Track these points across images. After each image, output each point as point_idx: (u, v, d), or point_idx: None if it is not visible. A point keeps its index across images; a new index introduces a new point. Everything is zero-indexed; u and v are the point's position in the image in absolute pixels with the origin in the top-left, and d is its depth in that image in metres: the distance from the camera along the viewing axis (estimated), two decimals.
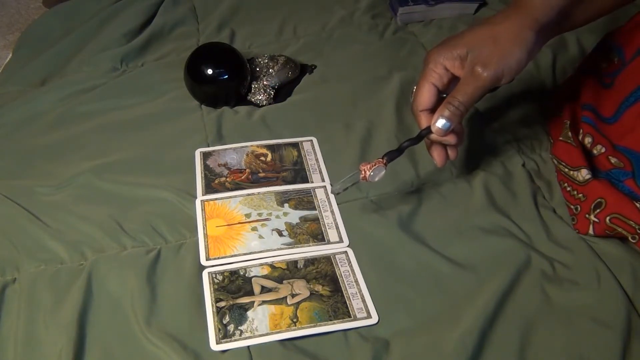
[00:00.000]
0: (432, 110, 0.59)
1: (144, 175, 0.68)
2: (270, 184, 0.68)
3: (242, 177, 0.69)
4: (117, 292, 0.56)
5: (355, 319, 0.54)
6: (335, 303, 0.55)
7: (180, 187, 0.67)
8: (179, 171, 0.69)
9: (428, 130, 0.58)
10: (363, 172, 0.57)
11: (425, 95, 0.59)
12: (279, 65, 0.83)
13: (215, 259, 0.59)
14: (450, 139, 0.58)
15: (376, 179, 0.58)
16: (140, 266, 0.58)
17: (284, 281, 0.57)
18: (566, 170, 0.64)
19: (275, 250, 0.60)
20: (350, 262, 0.59)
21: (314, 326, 0.53)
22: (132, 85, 0.84)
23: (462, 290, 0.56)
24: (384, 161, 0.58)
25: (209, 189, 0.67)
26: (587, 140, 0.64)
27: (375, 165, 0.57)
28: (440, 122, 0.57)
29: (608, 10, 0.62)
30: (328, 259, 0.59)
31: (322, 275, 0.58)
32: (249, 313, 0.54)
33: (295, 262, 0.59)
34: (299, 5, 1.00)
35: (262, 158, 0.71)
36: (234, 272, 0.58)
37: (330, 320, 0.54)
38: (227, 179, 0.68)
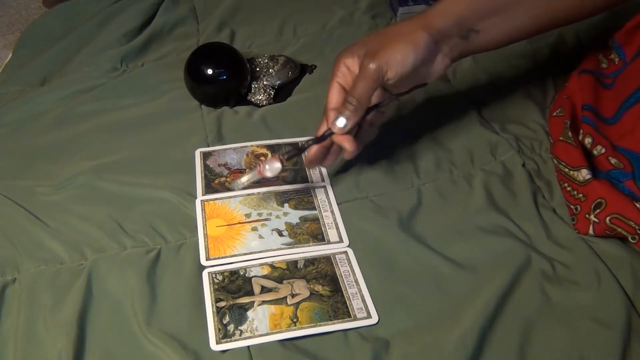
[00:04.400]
0: None
1: (144, 175, 0.68)
2: (270, 184, 0.68)
3: None
4: (117, 292, 0.56)
5: (355, 319, 0.54)
6: (335, 303, 0.55)
7: (180, 187, 0.67)
8: (179, 171, 0.69)
9: (330, 130, 0.59)
10: (259, 166, 0.60)
11: (333, 93, 0.61)
12: (279, 65, 0.83)
13: (215, 259, 0.59)
14: (346, 141, 0.60)
15: (269, 174, 0.60)
16: (140, 266, 0.58)
17: (284, 281, 0.57)
18: (566, 170, 0.64)
19: (275, 250, 0.60)
20: (350, 262, 0.59)
21: (314, 326, 0.53)
22: (132, 85, 0.84)
23: (462, 290, 0.56)
24: (281, 157, 0.60)
25: (209, 189, 0.67)
26: (587, 140, 0.64)
27: (270, 159, 0.59)
28: (338, 120, 0.58)
29: (530, 31, 0.62)
30: (328, 259, 0.59)
31: (322, 275, 0.58)
32: (249, 313, 0.54)
33: (295, 262, 0.59)
34: (299, 5, 1.00)
35: (262, 158, 0.71)
36: (234, 272, 0.58)
37: (330, 320, 0.54)
38: (227, 179, 0.68)
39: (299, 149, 0.61)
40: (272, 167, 0.59)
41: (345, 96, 0.59)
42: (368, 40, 0.59)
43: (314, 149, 0.62)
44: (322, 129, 0.61)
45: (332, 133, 0.60)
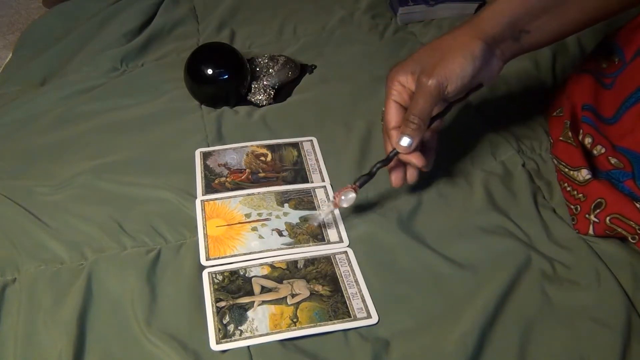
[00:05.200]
0: None
1: (144, 175, 0.68)
2: (270, 184, 0.68)
3: (242, 177, 0.69)
4: (117, 292, 0.56)
5: (355, 319, 0.54)
6: (335, 303, 0.55)
7: (180, 187, 0.67)
8: (179, 171, 0.69)
9: (396, 150, 0.59)
10: (334, 199, 0.59)
11: (391, 113, 0.60)
12: (279, 65, 0.83)
13: (215, 259, 0.59)
14: (414, 158, 0.59)
15: (345, 205, 0.60)
16: (140, 266, 0.58)
17: (284, 281, 0.57)
18: (566, 170, 0.64)
19: (275, 250, 0.60)
20: (350, 262, 0.59)
21: (314, 326, 0.53)
22: (132, 85, 0.84)
23: (462, 290, 0.56)
24: (354, 186, 0.59)
25: (209, 189, 0.67)
26: (587, 140, 0.64)
27: (344, 190, 0.59)
28: (402, 140, 0.58)
29: (581, 25, 0.61)
30: (328, 259, 0.59)
31: (322, 275, 0.58)
32: (249, 313, 0.54)
33: (295, 262, 0.59)
34: (299, 5, 1.00)
35: (262, 158, 0.71)
36: (234, 272, 0.58)
37: (330, 320, 0.54)
38: (227, 179, 0.68)
39: (370, 175, 0.60)
40: (348, 198, 0.59)
41: (405, 115, 0.58)
42: (420, 56, 0.59)
43: (397, 171, 0.62)
44: (388, 149, 0.61)
45: (398, 153, 0.59)
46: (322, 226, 0.63)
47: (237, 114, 0.78)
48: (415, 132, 0.58)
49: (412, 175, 0.62)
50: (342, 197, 0.59)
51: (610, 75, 0.68)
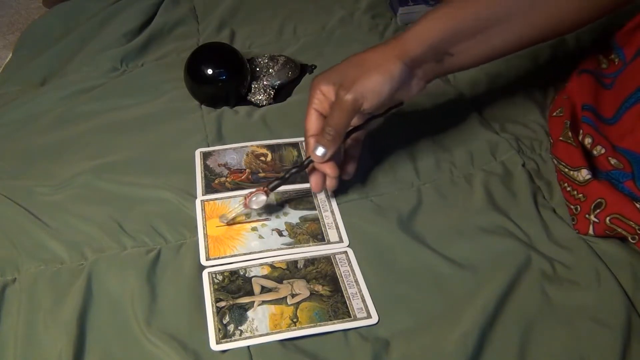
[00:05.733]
0: None
1: (144, 175, 0.68)
2: (270, 184, 0.67)
3: (242, 177, 0.69)
4: (117, 292, 0.56)
5: (355, 319, 0.54)
6: (335, 303, 0.55)
7: (180, 187, 0.67)
8: (179, 171, 0.69)
9: (311, 158, 0.61)
10: (245, 199, 0.60)
11: (310, 120, 0.61)
12: (279, 65, 0.83)
13: (215, 259, 0.59)
14: (328, 168, 0.61)
15: (254, 206, 0.61)
16: (140, 266, 0.58)
17: (284, 281, 0.57)
18: (566, 170, 0.64)
19: (275, 250, 0.60)
20: (350, 262, 0.59)
21: (314, 326, 0.53)
22: (132, 85, 0.84)
23: (462, 290, 0.56)
24: (266, 189, 0.60)
25: (209, 189, 0.67)
26: (587, 140, 0.64)
27: (255, 192, 0.60)
28: (317, 149, 0.59)
29: (504, 52, 0.62)
30: (328, 259, 0.59)
31: (322, 275, 0.58)
32: (249, 313, 0.54)
33: (295, 262, 0.59)
34: (299, 5, 1.00)
35: (262, 158, 0.71)
36: (234, 272, 0.58)
37: (330, 320, 0.54)
38: (227, 179, 0.68)
39: (282, 179, 0.62)
40: (258, 200, 0.61)
41: (322, 124, 0.60)
42: (343, 68, 0.60)
43: (316, 176, 0.63)
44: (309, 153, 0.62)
45: (312, 161, 0.61)
46: (323, 226, 0.63)
47: (237, 114, 0.78)
48: (330, 143, 0.59)
49: (330, 183, 0.63)
50: (253, 199, 0.60)
51: (610, 75, 0.68)
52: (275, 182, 0.61)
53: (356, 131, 0.63)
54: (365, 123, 0.64)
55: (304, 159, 0.63)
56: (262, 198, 0.61)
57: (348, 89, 0.57)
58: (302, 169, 0.62)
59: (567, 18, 0.60)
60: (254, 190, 0.60)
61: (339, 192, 0.66)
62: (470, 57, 0.62)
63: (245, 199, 0.60)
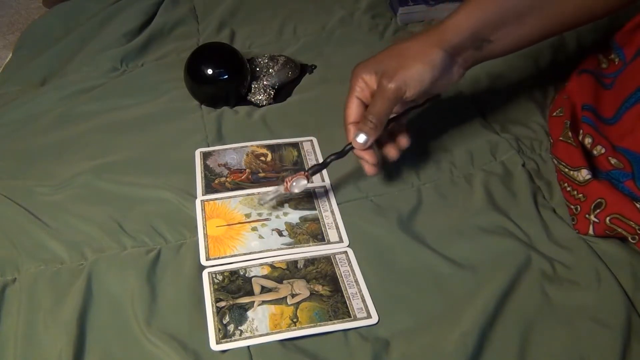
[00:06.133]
0: None
1: (144, 175, 0.68)
2: (271, 184, 0.68)
3: (242, 177, 0.69)
4: (117, 292, 0.56)
5: (355, 319, 0.54)
6: (335, 303, 0.55)
7: (180, 187, 0.67)
8: (179, 171, 0.69)
9: (351, 145, 0.61)
10: (286, 183, 0.60)
11: (351, 108, 0.62)
12: (279, 65, 0.83)
13: (215, 259, 0.59)
14: (367, 155, 0.61)
15: (296, 190, 0.61)
16: (140, 266, 0.58)
17: (284, 281, 0.57)
18: (566, 170, 0.64)
19: (275, 250, 0.60)
20: (350, 262, 0.59)
21: (314, 326, 0.53)
22: (132, 85, 0.84)
23: (462, 290, 0.56)
24: (306, 174, 0.61)
25: (209, 189, 0.67)
26: (587, 140, 0.64)
27: (296, 176, 0.60)
28: (359, 136, 0.60)
29: (541, 36, 0.63)
30: (328, 259, 0.59)
31: (322, 275, 0.58)
32: (249, 313, 0.54)
33: (295, 262, 0.59)
34: (299, 5, 1.00)
35: (262, 158, 0.71)
36: (234, 272, 0.58)
37: (330, 320, 0.54)
38: (227, 179, 0.68)
39: (322, 164, 0.62)
40: (300, 184, 0.61)
41: (364, 112, 0.60)
42: (384, 58, 0.60)
43: (369, 163, 0.62)
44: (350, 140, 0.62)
45: (353, 147, 0.61)
46: (323, 226, 0.63)
47: (237, 114, 0.78)
48: (371, 130, 0.59)
49: (370, 169, 0.63)
50: (294, 183, 0.60)
51: (610, 75, 0.68)
52: (315, 167, 0.62)
53: (396, 120, 0.63)
54: (406, 113, 0.64)
55: (343, 147, 0.62)
56: (303, 182, 0.61)
57: (391, 78, 0.57)
58: (341, 156, 0.62)
59: (598, 5, 0.61)
60: (294, 175, 0.61)
61: (339, 192, 0.66)
62: (508, 43, 0.62)
63: (286, 183, 0.60)
